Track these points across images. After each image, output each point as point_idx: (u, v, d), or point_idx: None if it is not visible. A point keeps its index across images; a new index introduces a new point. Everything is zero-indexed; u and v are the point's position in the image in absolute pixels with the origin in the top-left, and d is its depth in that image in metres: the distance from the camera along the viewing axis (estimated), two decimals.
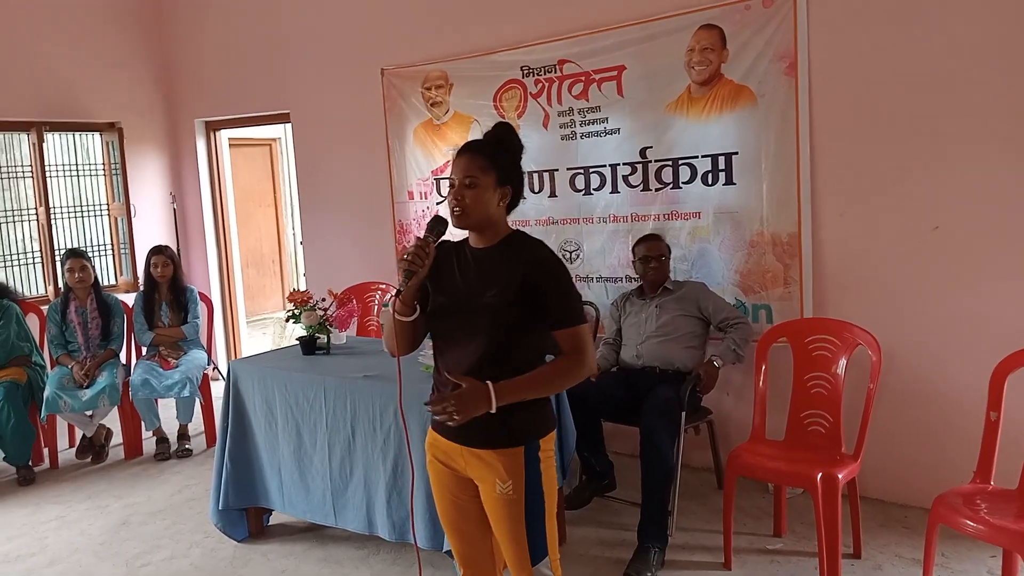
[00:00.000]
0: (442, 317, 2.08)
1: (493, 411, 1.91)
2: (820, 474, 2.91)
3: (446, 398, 1.92)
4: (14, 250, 5.73)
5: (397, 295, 2.03)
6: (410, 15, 5.05)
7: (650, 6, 4.05)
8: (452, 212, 2.02)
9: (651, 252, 3.83)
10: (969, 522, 2.52)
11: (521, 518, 2.00)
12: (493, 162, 2.01)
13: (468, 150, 2.04)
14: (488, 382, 1.91)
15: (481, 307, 1.99)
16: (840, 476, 2.92)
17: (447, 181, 2.08)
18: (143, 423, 4.81)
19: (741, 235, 3.93)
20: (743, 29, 3.80)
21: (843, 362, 3.25)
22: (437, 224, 2.05)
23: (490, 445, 2.00)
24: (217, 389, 5.00)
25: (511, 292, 1.97)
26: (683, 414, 3.42)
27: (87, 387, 4.63)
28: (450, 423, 1.92)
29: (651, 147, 4.17)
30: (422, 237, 2.02)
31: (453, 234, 2.10)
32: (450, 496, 2.13)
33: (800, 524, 3.44)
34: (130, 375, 4.79)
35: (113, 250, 6.23)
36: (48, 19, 5.72)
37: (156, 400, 4.79)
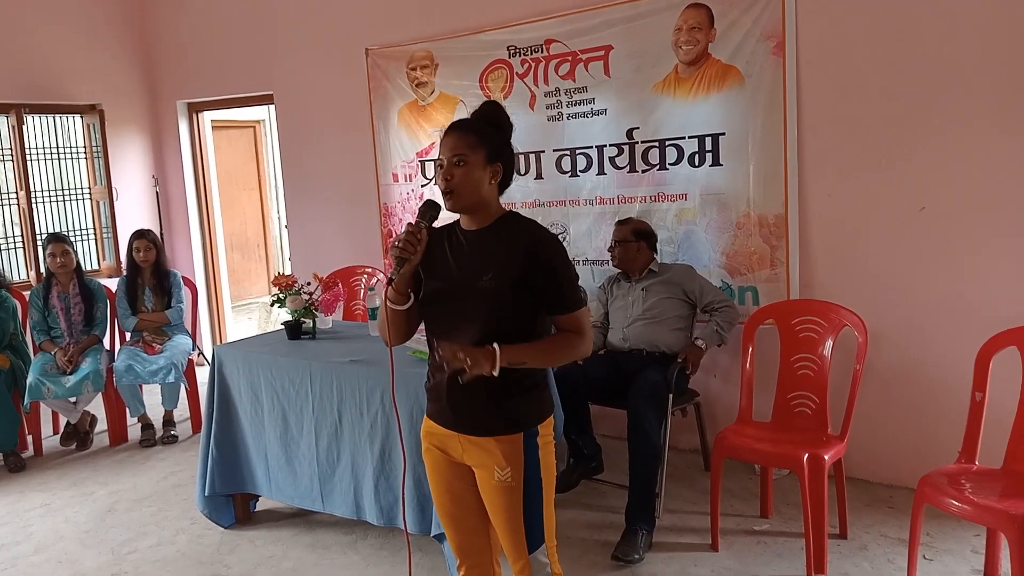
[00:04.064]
0: (436, 303, 2.03)
1: (495, 373, 1.86)
2: (806, 455, 2.91)
3: (459, 347, 1.87)
4: None
5: (389, 283, 1.98)
6: None
7: None
8: (443, 193, 1.96)
9: (616, 236, 3.84)
10: (954, 502, 2.54)
11: (519, 506, 1.98)
12: (482, 139, 1.95)
13: (456, 128, 1.98)
14: (495, 344, 1.87)
15: (476, 292, 1.93)
16: (826, 457, 2.93)
17: (435, 163, 2.02)
18: (128, 409, 4.77)
19: (728, 217, 3.92)
20: (731, 8, 3.77)
21: (829, 343, 3.25)
22: (429, 209, 2.00)
23: (488, 432, 1.97)
24: (202, 374, 4.95)
25: (509, 275, 1.92)
26: (670, 396, 3.42)
27: (70, 373, 4.58)
28: (460, 375, 1.87)
29: (638, 128, 4.14)
30: (413, 223, 1.97)
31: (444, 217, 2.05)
32: (446, 485, 2.09)
33: (786, 505, 3.46)
34: (114, 361, 4.75)
35: (95, 234, 6.15)
36: (27, 2, 5.61)
37: (140, 386, 4.76)
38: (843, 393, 3.13)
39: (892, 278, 3.54)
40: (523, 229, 1.99)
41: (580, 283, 4.33)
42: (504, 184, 2.02)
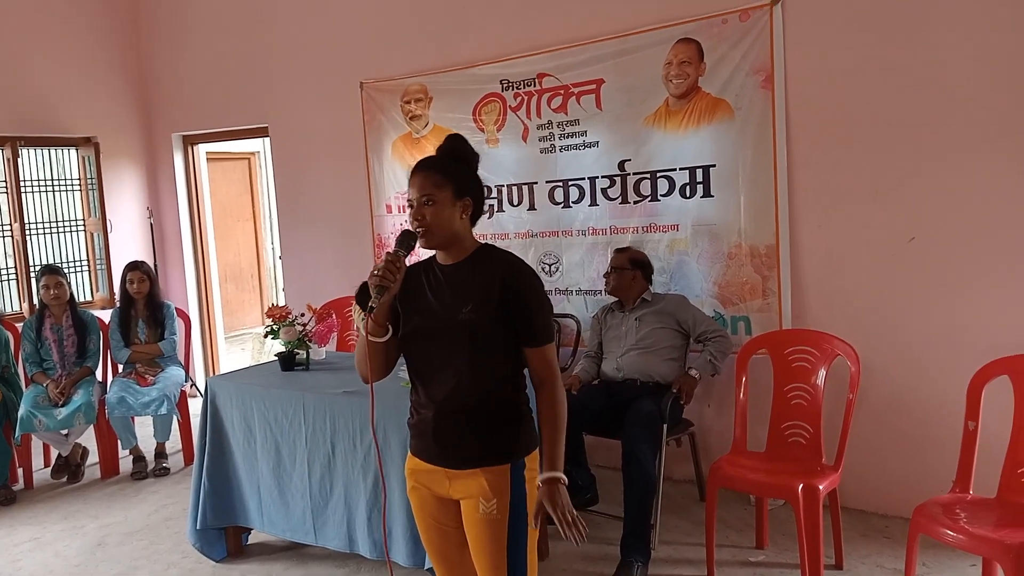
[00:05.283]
0: (417, 339, 2.01)
1: (566, 481, 1.89)
2: (801, 485, 2.91)
3: (569, 523, 1.83)
4: None
5: (369, 312, 1.95)
6: (390, 29, 5.05)
7: (628, 20, 4.08)
8: (416, 233, 1.98)
9: (613, 262, 3.88)
10: (949, 531, 2.53)
11: (503, 541, 1.94)
12: (448, 176, 1.96)
13: (421, 168, 2.00)
14: (547, 474, 1.88)
15: (456, 324, 1.94)
16: (821, 487, 2.93)
17: (407, 203, 2.03)
18: (119, 442, 4.74)
19: (719, 247, 3.95)
20: (720, 43, 3.83)
21: (822, 373, 3.26)
22: (407, 238, 2.00)
23: (475, 464, 1.96)
24: (195, 406, 4.93)
25: (488, 305, 1.93)
26: (664, 426, 3.42)
27: (62, 405, 4.55)
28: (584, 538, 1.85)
29: (629, 160, 4.19)
30: (392, 252, 1.96)
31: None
32: (433, 522, 2.07)
33: (782, 536, 3.44)
34: (106, 393, 4.73)
35: (89, 266, 6.15)
36: (25, 33, 5.67)
37: (133, 418, 4.72)
38: (837, 423, 3.13)
39: (884, 308, 3.57)
40: (499, 260, 2.01)
41: (572, 312, 4.39)
42: (475, 216, 2.04)
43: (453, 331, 1.95)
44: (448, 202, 1.95)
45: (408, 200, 2.00)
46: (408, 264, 2.02)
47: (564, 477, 1.89)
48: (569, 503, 1.87)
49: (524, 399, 2.04)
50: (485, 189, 2.10)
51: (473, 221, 2.04)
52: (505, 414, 1.99)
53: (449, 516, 2.05)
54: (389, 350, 2.05)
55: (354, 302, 3.86)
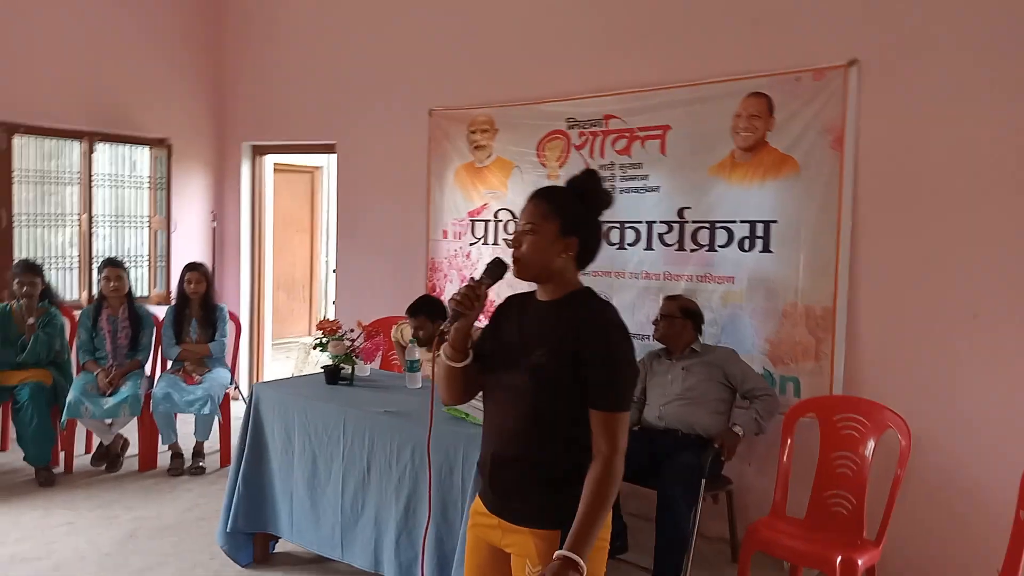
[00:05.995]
0: (489, 371, 1.95)
1: (584, 569, 1.73)
2: (840, 557, 2.83)
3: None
4: (54, 254, 5.83)
5: (441, 336, 1.91)
6: (463, 59, 5.14)
7: (700, 70, 4.08)
8: (507, 264, 1.92)
9: (663, 310, 3.85)
10: None
11: None
12: (559, 210, 1.87)
13: (535, 195, 1.92)
14: (566, 553, 1.72)
15: (526, 366, 1.84)
16: (860, 562, 2.84)
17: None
18: (160, 436, 4.83)
19: (774, 304, 3.89)
20: (792, 100, 3.81)
21: (871, 444, 3.18)
22: (495, 268, 1.94)
23: (527, 522, 1.87)
24: (236, 409, 5.01)
25: (560, 353, 1.81)
26: (703, 481, 3.36)
27: (110, 395, 4.66)
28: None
29: (689, 208, 4.17)
30: (476, 279, 1.92)
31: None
32: (479, 570, 2.01)
33: None
34: (153, 387, 4.83)
35: (150, 262, 6.31)
36: (110, 35, 5.89)
37: (175, 415, 4.81)
38: (882, 496, 3.04)
39: (942, 382, 3.46)
40: (588, 308, 1.88)
41: None
42: (583, 259, 1.92)
43: (521, 371, 1.86)
44: (550, 236, 1.86)
45: (516, 224, 1.95)
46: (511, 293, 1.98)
47: (583, 564, 1.71)
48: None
49: (588, 460, 1.84)
50: (601, 234, 1.95)
51: (580, 263, 1.92)
52: (564, 476, 1.84)
53: (497, 567, 1.96)
54: (469, 377, 1.97)
55: (406, 314, 3.91)
